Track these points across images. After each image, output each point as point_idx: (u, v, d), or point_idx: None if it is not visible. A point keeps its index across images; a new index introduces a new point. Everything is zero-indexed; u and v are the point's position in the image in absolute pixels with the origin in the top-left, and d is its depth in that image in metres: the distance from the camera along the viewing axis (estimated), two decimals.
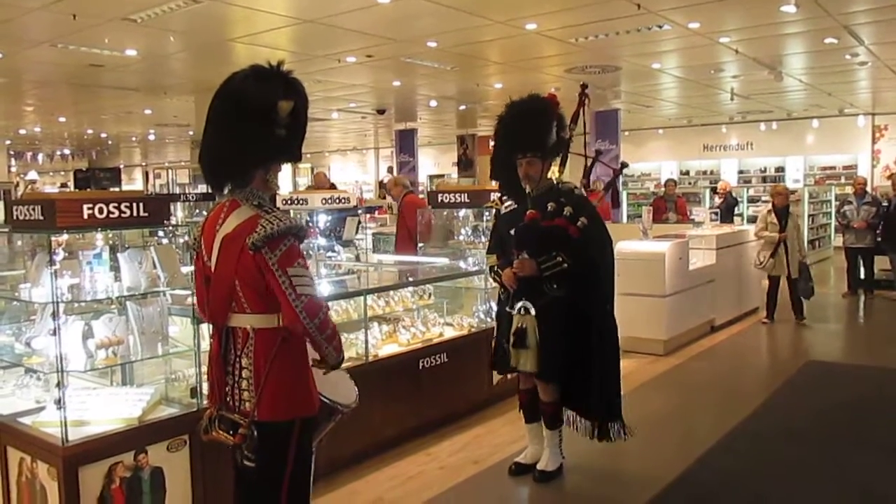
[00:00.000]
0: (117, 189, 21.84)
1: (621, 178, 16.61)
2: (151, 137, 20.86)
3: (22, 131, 18.57)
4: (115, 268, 3.53)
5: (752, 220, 15.32)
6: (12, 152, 22.42)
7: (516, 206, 3.98)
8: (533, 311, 3.84)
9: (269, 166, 2.64)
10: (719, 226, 9.54)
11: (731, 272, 8.59)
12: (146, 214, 3.39)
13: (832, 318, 9.62)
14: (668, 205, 11.47)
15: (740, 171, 19.34)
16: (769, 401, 5.68)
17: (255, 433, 2.52)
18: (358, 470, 4.29)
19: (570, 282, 3.79)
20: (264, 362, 2.52)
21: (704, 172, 19.91)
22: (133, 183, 30.88)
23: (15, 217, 3.35)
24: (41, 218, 3.19)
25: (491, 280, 4.32)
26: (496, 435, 4.91)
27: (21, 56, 8.89)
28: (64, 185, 26.70)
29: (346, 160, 28.78)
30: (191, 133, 18.47)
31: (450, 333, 5.34)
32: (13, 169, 23.33)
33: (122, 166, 29.02)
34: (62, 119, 16.13)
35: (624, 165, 4.12)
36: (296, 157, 2.71)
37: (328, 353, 2.58)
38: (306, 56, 9.17)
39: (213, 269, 2.59)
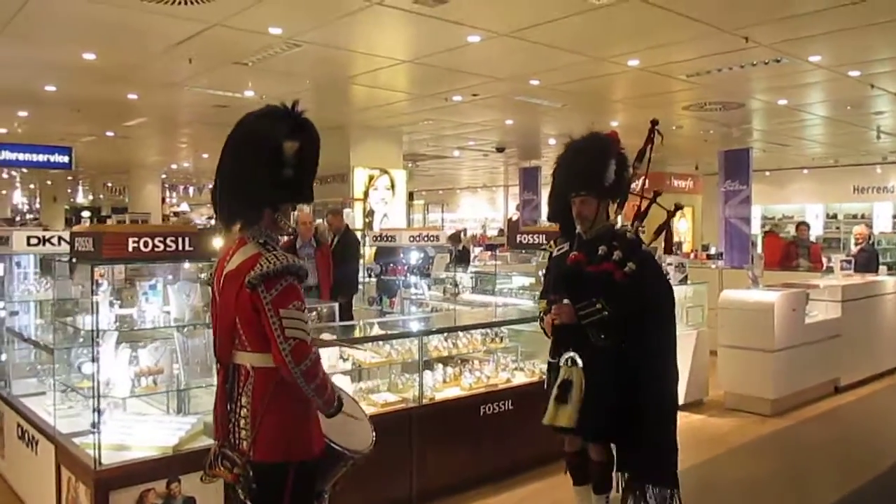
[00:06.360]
0: None
1: (760, 222, 15.64)
2: None
3: (174, 166, 20.21)
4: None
5: None
6: (167, 185, 24.37)
7: (569, 248, 3.76)
8: (580, 363, 3.58)
9: (277, 206, 2.63)
10: (850, 275, 8.66)
11: (860, 327, 7.74)
12: (191, 249, 3.50)
13: None
14: (801, 250, 10.60)
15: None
16: (891, 472, 5.01)
17: (251, 473, 2.48)
18: None
19: (619, 331, 3.49)
20: (261, 401, 2.49)
21: (855, 216, 18.34)
22: None
23: (75, 247, 3.56)
24: (91, 249, 3.37)
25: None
26: (558, 491, 4.61)
27: (154, 97, 9.61)
28: (211, 217, 28.65)
29: (476, 197, 29.08)
30: None
31: (520, 379, 5.13)
32: (167, 201, 25.35)
33: None
34: (205, 155, 17.35)
35: (678, 207, 3.82)
36: (306, 198, 2.69)
37: (316, 403, 2.51)
38: (417, 94, 9.36)
39: (217, 305, 2.60)
